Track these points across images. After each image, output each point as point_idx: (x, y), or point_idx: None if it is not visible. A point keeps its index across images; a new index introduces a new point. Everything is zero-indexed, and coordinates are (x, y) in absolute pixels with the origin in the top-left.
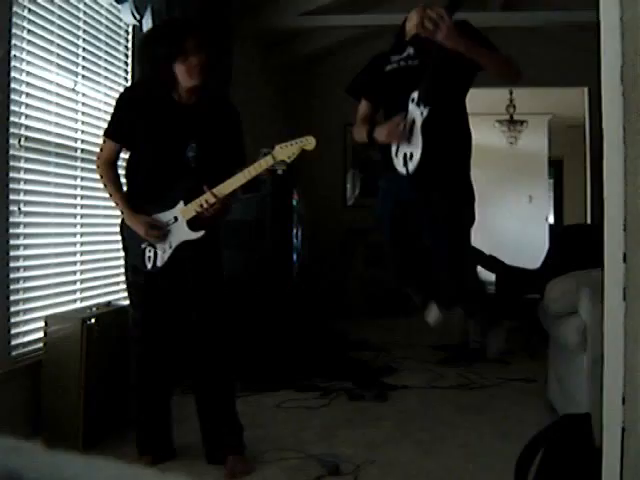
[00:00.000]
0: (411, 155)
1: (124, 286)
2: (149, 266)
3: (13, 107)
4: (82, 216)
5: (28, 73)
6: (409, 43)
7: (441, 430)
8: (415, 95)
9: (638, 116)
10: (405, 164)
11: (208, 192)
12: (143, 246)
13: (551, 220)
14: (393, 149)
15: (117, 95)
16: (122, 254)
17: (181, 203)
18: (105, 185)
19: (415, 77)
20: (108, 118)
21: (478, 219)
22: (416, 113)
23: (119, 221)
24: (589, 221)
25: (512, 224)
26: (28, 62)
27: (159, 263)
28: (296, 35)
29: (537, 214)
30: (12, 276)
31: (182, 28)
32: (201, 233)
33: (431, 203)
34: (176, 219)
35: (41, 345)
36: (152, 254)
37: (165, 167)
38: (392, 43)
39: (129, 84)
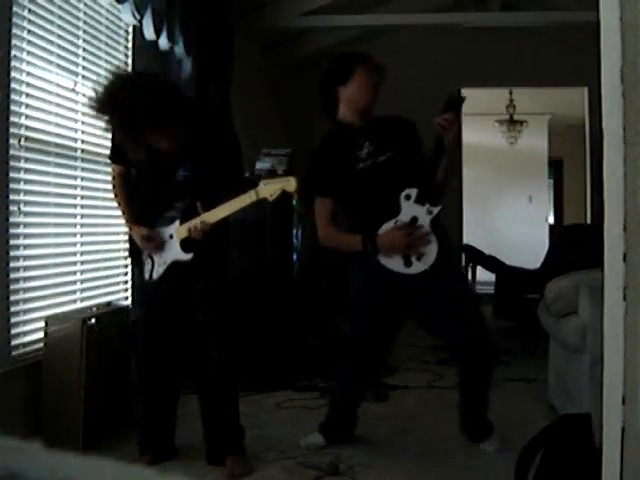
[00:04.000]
0: (420, 255)
1: (124, 286)
2: (146, 276)
3: (13, 107)
4: (82, 216)
5: (28, 73)
6: (360, 135)
7: (441, 430)
8: (412, 193)
9: (638, 116)
10: (408, 264)
11: (197, 218)
12: (143, 257)
13: (551, 220)
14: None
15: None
16: (122, 254)
17: (177, 222)
18: (115, 196)
19: (393, 174)
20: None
21: (478, 219)
22: (419, 211)
23: (119, 221)
24: (589, 221)
25: (512, 224)
26: (28, 62)
27: (155, 275)
28: (296, 35)
29: (537, 214)
30: (12, 276)
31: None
32: (190, 255)
33: (450, 288)
34: (172, 237)
35: (41, 345)
36: (150, 266)
37: (160, 187)
38: (330, 134)
39: None
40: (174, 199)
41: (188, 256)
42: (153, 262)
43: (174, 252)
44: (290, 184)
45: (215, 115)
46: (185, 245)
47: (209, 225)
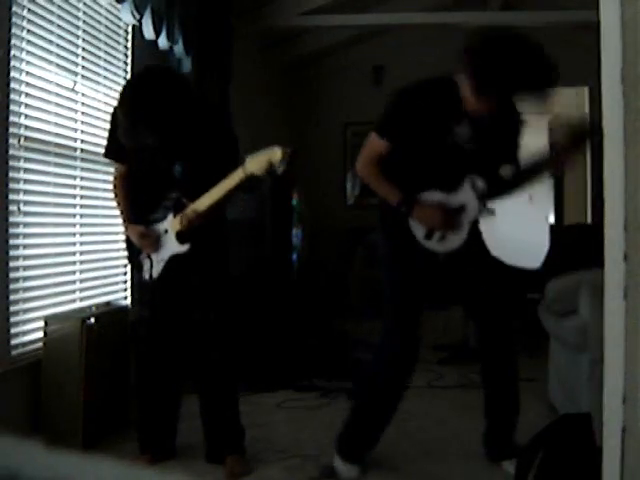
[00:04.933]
0: (442, 236)
1: (123, 286)
2: (146, 276)
3: (13, 107)
4: (82, 216)
5: (28, 73)
6: (468, 117)
7: (441, 430)
8: (479, 183)
9: (638, 116)
10: (429, 237)
11: (188, 208)
12: (141, 257)
13: (551, 220)
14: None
15: (117, 95)
16: (122, 254)
17: (170, 216)
18: (115, 195)
19: (471, 161)
20: (108, 118)
21: None
22: (472, 204)
23: (118, 221)
24: (589, 221)
25: (512, 224)
26: (28, 62)
27: (154, 273)
28: (296, 35)
29: (537, 214)
30: (12, 276)
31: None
32: (187, 247)
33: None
34: (167, 231)
35: (41, 345)
36: (148, 265)
37: (153, 181)
38: (440, 97)
39: None
40: (169, 192)
41: (185, 247)
42: (152, 261)
43: (171, 246)
44: (275, 154)
45: (214, 112)
46: (181, 237)
47: (200, 212)
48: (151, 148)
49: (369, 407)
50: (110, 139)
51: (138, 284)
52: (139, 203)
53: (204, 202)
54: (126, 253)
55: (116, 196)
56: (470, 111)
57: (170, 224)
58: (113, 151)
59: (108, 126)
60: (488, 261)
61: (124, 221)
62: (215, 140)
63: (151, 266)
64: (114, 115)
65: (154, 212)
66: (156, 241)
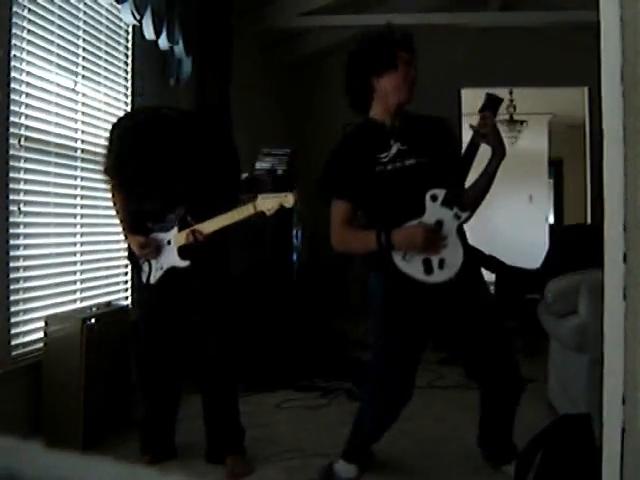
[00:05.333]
0: (441, 262)
1: (124, 286)
2: (144, 279)
3: (13, 107)
4: (82, 216)
5: (28, 73)
6: (390, 135)
7: (441, 430)
8: (439, 194)
9: (638, 116)
10: (429, 271)
11: (195, 227)
12: (141, 261)
13: (551, 220)
14: (399, 252)
15: (117, 95)
16: (122, 254)
17: (175, 229)
18: (114, 204)
19: (420, 179)
20: (108, 118)
21: (478, 219)
22: (445, 215)
23: (118, 221)
24: (589, 221)
25: (512, 224)
26: (28, 62)
27: (152, 280)
28: (296, 35)
29: (537, 214)
30: (12, 276)
31: None
32: (187, 263)
33: (478, 303)
34: (169, 243)
35: (41, 345)
36: (147, 269)
37: (157, 197)
38: (355, 132)
39: (129, 84)
40: (171, 207)
41: (185, 263)
42: (150, 266)
43: (171, 258)
44: (288, 200)
45: (216, 127)
46: (182, 252)
47: (205, 235)
48: (154, 162)
49: (368, 412)
50: (108, 156)
51: (138, 285)
52: (145, 212)
53: (210, 227)
54: (127, 257)
55: (115, 204)
56: (390, 128)
57: (174, 237)
58: (110, 169)
59: (109, 117)
60: (477, 272)
61: (124, 230)
62: (215, 156)
63: (150, 271)
64: (112, 132)
65: (159, 222)
66: (156, 249)
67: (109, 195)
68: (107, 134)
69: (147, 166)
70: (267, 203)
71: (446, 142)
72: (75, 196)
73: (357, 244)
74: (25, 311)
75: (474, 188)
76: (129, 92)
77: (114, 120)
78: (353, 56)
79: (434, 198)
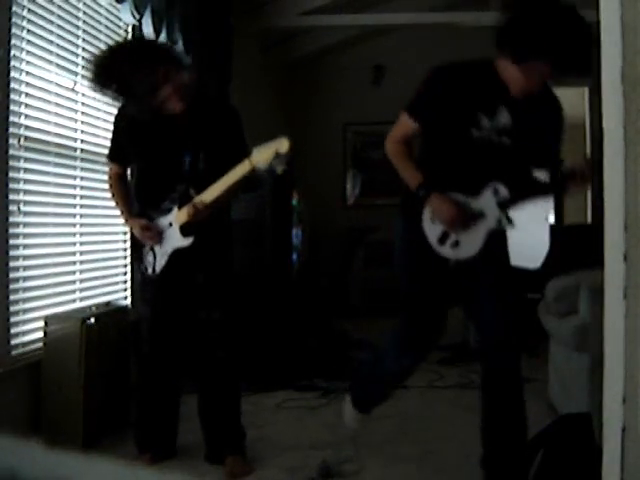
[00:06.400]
0: (456, 242)
1: (123, 286)
2: (149, 270)
3: (13, 107)
4: (82, 216)
5: (28, 73)
6: (507, 103)
7: (441, 430)
8: (502, 192)
9: (638, 116)
10: (442, 242)
11: (194, 200)
12: (145, 251)
13: (551, 220)
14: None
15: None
16: (122, 254)
17: (175, 209)
18: (113, 195)
19: (501, 161)
20: (108, 118)
21: None
22: (492, 212)
23: (118, 221)
24: (589, 221)
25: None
26: (28, 62)
27: (157, 268)
28: (296, 35)
29: (537, 214)
30: (12, 276)
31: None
32: (190, 240)
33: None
34: (171, 225)
35: (41, 345)
36: (152, 259)
37: (159, 175)
38: (479, 78)
39: None
40: (173, 186)
41: (188, 241)
42: (155, 255)
43: (174, 240)
44: (282, 144)
45: (220, 102)
46: (185, 230)
47: (207, 203)
48: (157, 145)
49: (376, 368)
50: (114, 142)
51: (141, 282)
52: (145, 198)
53: (211, 193)
54: (130, 251)
55: (113, 195)
56: (510, 96)
57: (175, 217)
58: (117, 154)
59: (111, 129)
60: (503, 276)
61: (124, 215)
62: (224, 133)
63: (154, 260)
64: (117, 118)
65: (159, 205)
66: (159, 234)
67: (109, 195)
68: (107, 133)
69: (151, 142)
70: (262, 154)
71: (553, 136)
72: (75, 196)
73: (401, 170)
74: (25, 311)
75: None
76: None
77: (114, 120)
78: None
79: (495, 192)
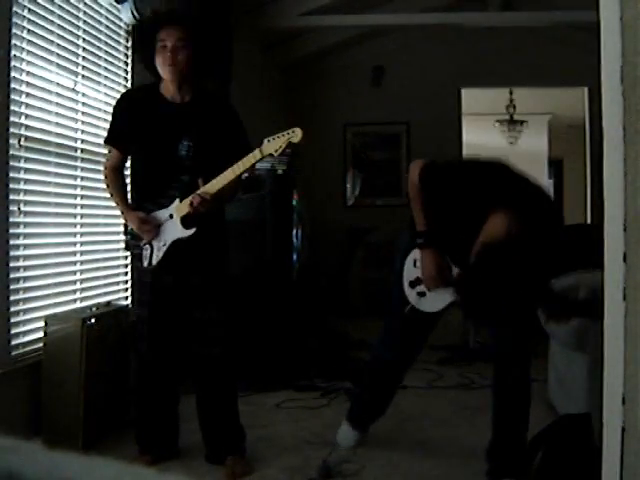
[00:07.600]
0: (423, 293)
1: (124, 286)
2: (145, 263)
3: (13, 107)
4: (82, 216)
5: (28, 73)
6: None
7: (441, 430)
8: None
9: (638, 116)
10: (421, 295)
11: (198, 190)
12: (141, 244)
13: None
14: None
15: (117, 95)
16: (122, 254)
17: (177, 201)
18: (107, 186)
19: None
20: (108, 118)
21: None
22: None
23: (119, 221)
24: (589, 221)
25: None
26: (28, 62)
27: (154, 261)
28: (296, 35)
29: None
30: (12, 276)
31: (157, 20)
32: (192, 231)
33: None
34: (171, 216)
35: (41, 345)
36: (148, 252)
37: (160, 166)
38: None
39: (129, 84)
40: (175, 177)
41: (189, 232)
42: (152, 248)
43: (174, 231)
44: (296, 135)
45: (221, 99)
46: (186, 222)
47: (211, 195)
48: (157, 132)
49: (369, 383)
50: (112, 126)
51: (138, 283)
52: (143, 189)
53: (217, 184)
54: (124, 241)
55: (108, 187)
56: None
57: (175, 209)
58: (116, 137)
59: (110, 117)
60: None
61: (120, 207)
62: (226, 126)
63: (151, 253)
64: (120, 103)
65: (158, 197)
66: (157, 227)
67: (108, 196)
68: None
69: (152, 130)
70: (273, 144)
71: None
72: (75, 196)
73: (416, 210)
74: (25, 311)
75: None
76: None
77: (115, 105)
78: None
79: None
